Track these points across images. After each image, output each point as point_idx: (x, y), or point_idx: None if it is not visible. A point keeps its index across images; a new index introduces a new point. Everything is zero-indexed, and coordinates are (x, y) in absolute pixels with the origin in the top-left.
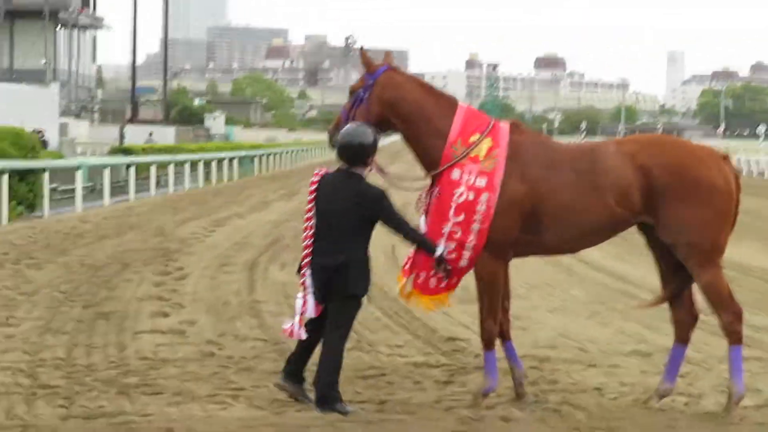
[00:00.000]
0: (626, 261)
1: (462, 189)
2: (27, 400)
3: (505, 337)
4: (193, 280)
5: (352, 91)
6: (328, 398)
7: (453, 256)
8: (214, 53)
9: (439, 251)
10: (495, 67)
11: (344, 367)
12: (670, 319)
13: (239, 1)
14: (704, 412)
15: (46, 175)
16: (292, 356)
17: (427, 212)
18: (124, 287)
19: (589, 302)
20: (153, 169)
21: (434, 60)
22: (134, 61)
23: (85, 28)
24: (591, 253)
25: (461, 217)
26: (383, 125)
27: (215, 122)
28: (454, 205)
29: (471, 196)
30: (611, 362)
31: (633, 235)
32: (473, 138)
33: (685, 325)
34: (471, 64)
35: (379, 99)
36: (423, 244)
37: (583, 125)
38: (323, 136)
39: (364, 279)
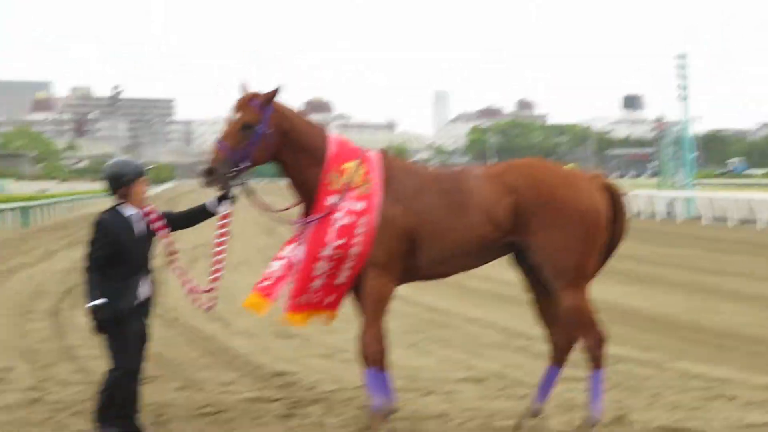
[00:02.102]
0: (429, 291)
1: (341, 213)
2: None
3: None
4: None
5: (245, 125)
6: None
7: (328, 276)
8: None
9: (91, 303)
10: None
11: (179, 405)
12: (547, 341)
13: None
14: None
15: None
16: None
17: (303, 241)
18: None
19: (404, 333)
20: None
21: (200, 107)
22: None
23: None
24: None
25: (342, 241)
26: (274, 158)
27: None
28: (334, 229)
29: (350, 220)
30: (446, 389)
31: None
32: (346, 165)
33: (561, 349)
34: None
35: (279, 131)
36: (87, 289)
37: None
38: (95, 186)
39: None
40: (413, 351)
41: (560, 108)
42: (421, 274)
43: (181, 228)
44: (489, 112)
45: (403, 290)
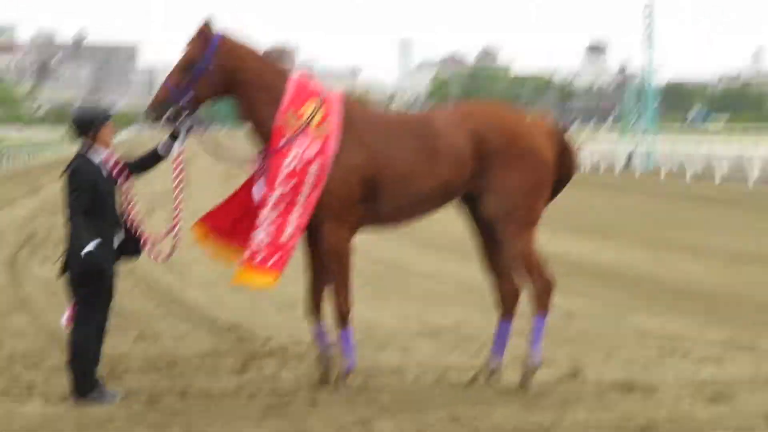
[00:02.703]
0: (389, 242)
1: (291, 157)
2: None
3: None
4: None
5: (187, 63)
6: (82, 388)
7: (274, 227)
8: None
9: (86, 250)
10: None
11: (134, 356)
12: (493, 294)
13: None
14: (507, 385)
15: None
16: None
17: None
18: None
19: (360, 286)
20: None
21: (163, 53)
22: None
23: None
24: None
25: (291, 183)
26: (223, 95)
27: None
28: (283, 173)
29: (301, 165)
30: (401, 344)
31: None
32: (305, 107)
33: (509, 299)
34: None
35: (222, 68)
36: (76, 235)
37: None
38: (57, 133)
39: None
40: (369, 304)
41: (524, 55)
42: (383, 220)
43: (138, 174)
44: (453, 61)
45: (358, 243)
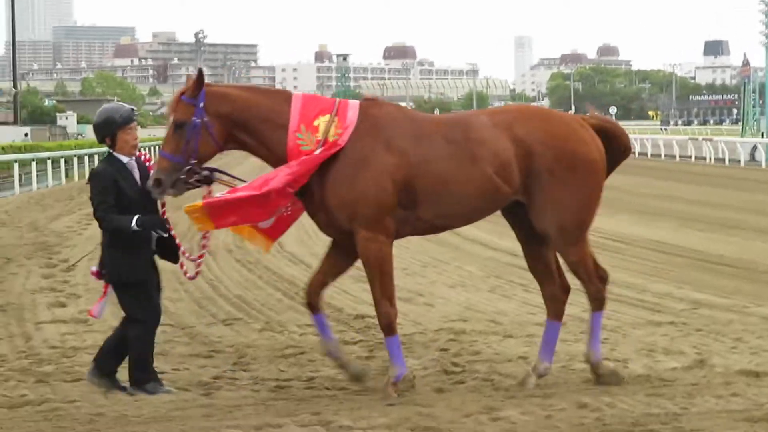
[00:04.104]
0: (508, 237)
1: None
2: None
3: (315, 310)
4: (82, 271)
5: (179, 123)
6: (139, 379)
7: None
8: (60, 53)
9: (133, 226)
10: (345, 57)
11: (261, 346)
12: (542, 296)
13: (85, 0)
14: (635, 375)
15: None
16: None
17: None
18: (12, 280)
19: (485, 277)
20: (16, 167)
21: (284, 53)
22: None
23: None
24: (470, 231)
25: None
26: (228, 143)
27: (68, 122)
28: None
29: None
30: (526, 332)
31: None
32: (318, 121)
33: (558, 300)
34: (320, 55)
35: (218, 116)
36: (117, 227)
37: (436, 112)
38: None
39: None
40: (494, 295)
41: (642, 53)
42: (424, 227)
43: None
44: (571, 58)
45: (482, 235)
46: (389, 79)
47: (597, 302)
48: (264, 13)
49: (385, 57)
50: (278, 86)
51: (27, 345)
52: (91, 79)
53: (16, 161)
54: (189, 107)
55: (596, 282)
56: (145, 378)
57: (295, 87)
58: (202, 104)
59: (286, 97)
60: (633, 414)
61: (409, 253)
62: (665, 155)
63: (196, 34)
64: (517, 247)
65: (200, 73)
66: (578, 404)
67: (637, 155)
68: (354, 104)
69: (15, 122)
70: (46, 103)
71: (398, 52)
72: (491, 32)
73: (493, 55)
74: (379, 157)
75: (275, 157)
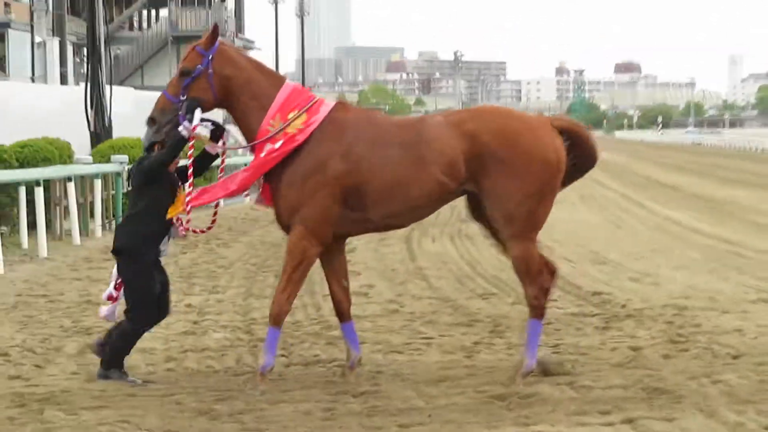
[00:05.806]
0: (725, 226)
1: (265, 152)
2: (251, 351)
3: (344, 317)
4: (360, 252)
5: (185, 70)
6: (109, 364)
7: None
8: (341, 69)
9: (182, 130)
10: (581, 72)
11: (514, 318)
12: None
13: (361, 24)
14: None
15: None
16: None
17: None
18: None
19: (705, 261)
20: None
21: (528, 68)
22: None
23: None
24: (690, 222)
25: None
26: (221, 103)
27: None
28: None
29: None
30: (741, 309)
31: (724, 205)
32: (292, 115)
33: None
34: (560, 70)
35: (219, 74)
36: (171, 149)
37: (659, 119)
38: None
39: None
40: (712, 276)
41: None
42: (372, 227)
43: (198, 175)
44: None
45: (700, 224)
46: (618, 91)
47: (533, 310)
48: (512, 35)
49: (615, 72)
50: (523, 98)
51: (317, 314)
52: (367, 91)
53: None
54: (199, 56)
55: (536, 287)
56: (113, 365)
57: (538, 98)
58: (211, 56)
59: (279, 83)
60: None
61: (638, 239)
62: None
63: (455, 53)
64: (732, 235)
65: (215, 28)
66: None
67: None
68: (327, 105)
69: None
70: None
71: (627, 68)
72: (707, 49)
73: (709, 69)
74: (333, 163)
75: (249, 135)
